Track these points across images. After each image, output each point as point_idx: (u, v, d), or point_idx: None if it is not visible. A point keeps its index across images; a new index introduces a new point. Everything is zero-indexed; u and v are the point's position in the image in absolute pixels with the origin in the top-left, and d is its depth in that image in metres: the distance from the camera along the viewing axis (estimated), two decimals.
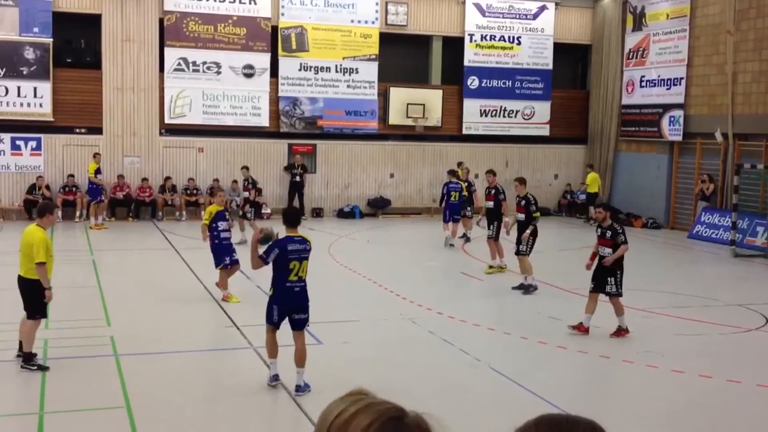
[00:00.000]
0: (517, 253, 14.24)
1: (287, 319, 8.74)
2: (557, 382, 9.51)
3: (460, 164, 21.91)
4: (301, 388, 8.54)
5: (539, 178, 26.88)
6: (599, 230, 11.54)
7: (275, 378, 8.70)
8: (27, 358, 9.23)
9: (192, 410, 8.31)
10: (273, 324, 8.71)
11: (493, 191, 16.14)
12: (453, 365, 9.96)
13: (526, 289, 14.08)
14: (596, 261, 11.46)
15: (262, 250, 8.69)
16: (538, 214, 14.26)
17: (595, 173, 25.26)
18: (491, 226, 16.02)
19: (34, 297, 9.28)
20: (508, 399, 8.74)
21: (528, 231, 14.02)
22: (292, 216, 8.99)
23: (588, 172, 25.44)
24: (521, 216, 14.29)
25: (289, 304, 8.67)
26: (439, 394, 8.79)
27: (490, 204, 16.13)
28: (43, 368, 9.19)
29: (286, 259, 8.52)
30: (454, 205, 18.82)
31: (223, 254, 12.92)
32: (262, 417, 8.64)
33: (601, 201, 11.65)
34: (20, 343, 9.36)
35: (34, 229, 9.34)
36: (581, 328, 11.28)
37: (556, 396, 8.62)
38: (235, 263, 12.99)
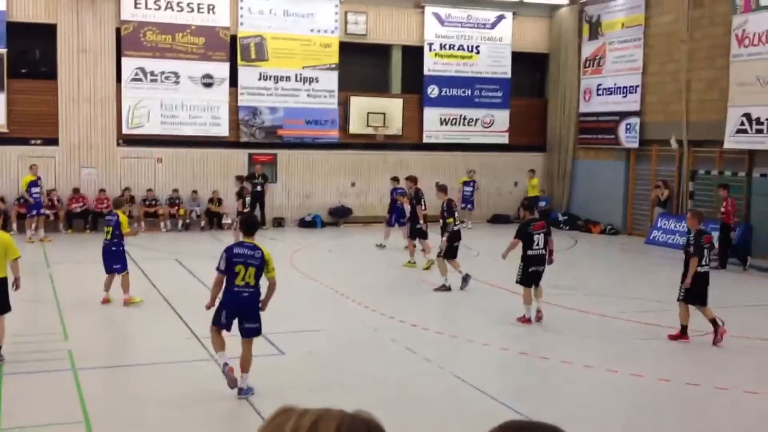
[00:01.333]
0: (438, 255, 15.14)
1: (237, 326, 8.78)
2: (520, 388, 9.57)
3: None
4: (244, 392, 8.63)
5: (499, 186, 27.12)
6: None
7: (226, 364, 8.68)
8: None
9: (152, 424, 8.20)
10: (219, 324, 8.82)
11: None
12: (416, 373, 9.97)
13: (442, 287, 14.82)
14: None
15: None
16: (451, 220, 14.96)
17: (536, 179, 26.54)
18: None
19: (5, 294, 10.10)
20: (471, 406, 8.77)
21: (444, 237, 14.87)
22: (247, 223, 9.16)
23: (530, 177, 26.27)
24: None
25: (235, 308, 8.72)
26: (403, 402, 8.79)
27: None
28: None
29: (231, 263, 8.64)
30: (400, 210, 19.84)
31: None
32: (223, 428, 8.55)
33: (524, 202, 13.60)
34: None
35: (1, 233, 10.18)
36: (523, 320, 12.33)
37: (518, 402, 8.67)
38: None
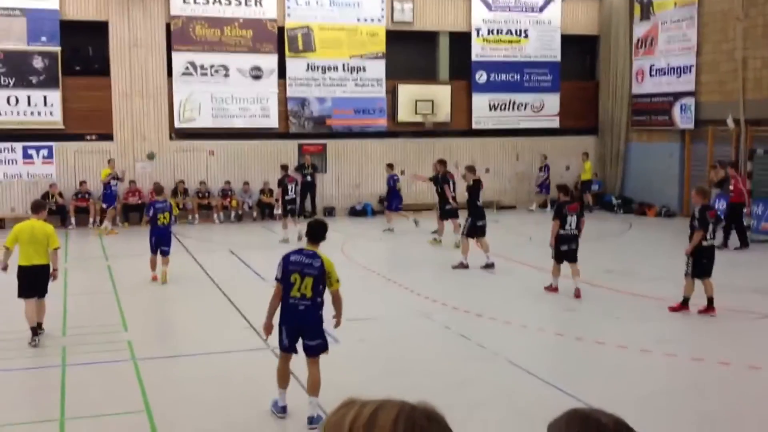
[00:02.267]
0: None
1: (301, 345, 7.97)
2: (575, 374, 9.47)
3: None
4: (314, 420, 7.76)
5: (552, 170, 26.79)
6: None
7: (282, 410, 8.03)
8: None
9: (211, 412, 8.32)
10: (282, 348, 8.00)
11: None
12: (470, 360, 9.94)
13: (460, 265, 15.65)
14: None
15: None
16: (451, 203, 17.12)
17: (589, 162, 26.24)
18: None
19: (46, 279, 10.64)
20: (527, 392, 8.71)
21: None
22: (313, 229, 8.09)
23: (584, 161, 25.94)
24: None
25: (293, 323, 7.85)
26: (456, 388, 8.77)
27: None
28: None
29: (287, 271, 7.84)
30: (398, 195, 21.94)
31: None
32: (280, 420, 8.63)
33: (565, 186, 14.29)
34: (39, 325, 10.60)
35: (42, 223, 10.60)
36: (550, 289, 13.45)
37: (575, 388, 8.58)
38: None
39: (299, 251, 7.99)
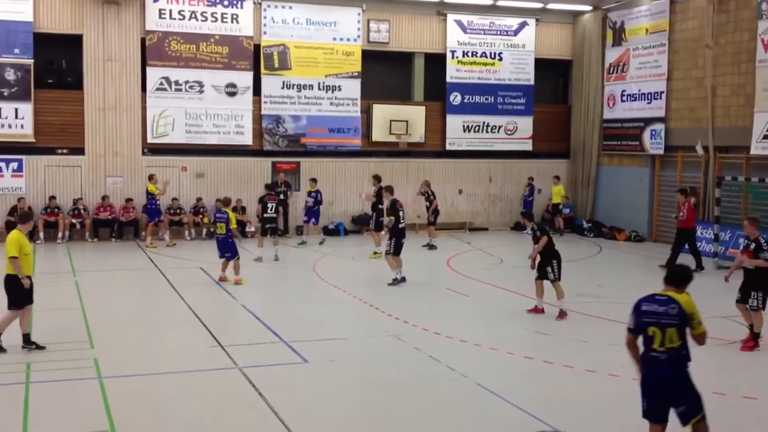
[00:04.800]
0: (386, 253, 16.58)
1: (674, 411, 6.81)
2: (545, 397, 9.50)
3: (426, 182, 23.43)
4: None
5: (523, 193, 26.98)
6: (531, 234, 14.02)
7: None
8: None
9: None
10: (647, 417, 6.84)
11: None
12: (440, 382, 9.93)
13: (394, 281, 16.24)
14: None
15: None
16: (391, 218, 16.76)
17: (560, 185, 26.41)
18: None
19: (15, 290, 10.79)
20: (496, 416, 8.72)
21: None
22: (675, 275, 7.08)
23: (556, 183, 26.26)
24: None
25: (654, 382, 6.77)
26: (426, 412, 8.76)
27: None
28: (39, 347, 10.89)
29: (640, 322, 6.85)
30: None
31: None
32: None
33: (527, 211, 16.21)
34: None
35: (12, 232, 10.93)
36: (537, 310, 13.68)
37: (543, 411, 8.61)
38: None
39: (649, 297, 6.97)
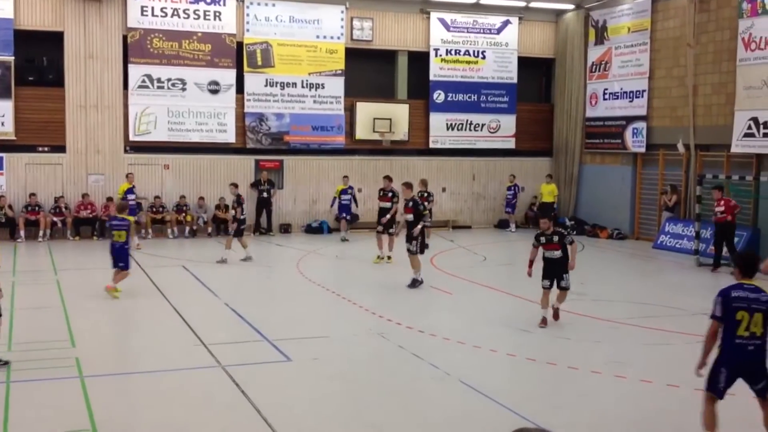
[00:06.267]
0: (408, 251, 15.73)
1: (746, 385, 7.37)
2: (527, 394, 9.54)
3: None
4: None
5: (506, 191, 27.05)
6: (543, 238, 12.59)
7: None
8: None
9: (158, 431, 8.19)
10: (716, 392, 7.36)
11: (410, 203, 16.37)
12: (423, 380, 9.94)
13: (413, 283, 15.63)
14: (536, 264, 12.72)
15: None
16: (426, 211, 16.02)
17: (553, 184, 26.21)
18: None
19: None
20: (479, 413, 8.74)
21: (417, 229, 15.60)
22: (748, 263, 7.46)
23: (548, 182, 26.18)
24: (410, 217, 15.84)
25: (738, 365, 7.25)
26: (409, 409, 8.77)
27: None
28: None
29: (730, 308, 7.18)
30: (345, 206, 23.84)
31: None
32: None
33: (548, 213, 13.97)
34: None
35: None
36: (544, 322, 12.53)
37: (526, 408, 8.64)
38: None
39: (739, 286, 7.31)
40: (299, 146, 25.04)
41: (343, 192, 23.95)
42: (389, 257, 18.79)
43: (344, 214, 23.82)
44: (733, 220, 18.53)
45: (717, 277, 17.83)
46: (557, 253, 12.50)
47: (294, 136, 24.92)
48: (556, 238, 12.48)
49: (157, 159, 23.68)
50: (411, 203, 15.90)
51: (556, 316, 12.82)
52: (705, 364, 7.44)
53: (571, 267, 12.57)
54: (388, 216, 18.93)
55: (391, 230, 18.68)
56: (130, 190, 21.86)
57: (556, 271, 12.48)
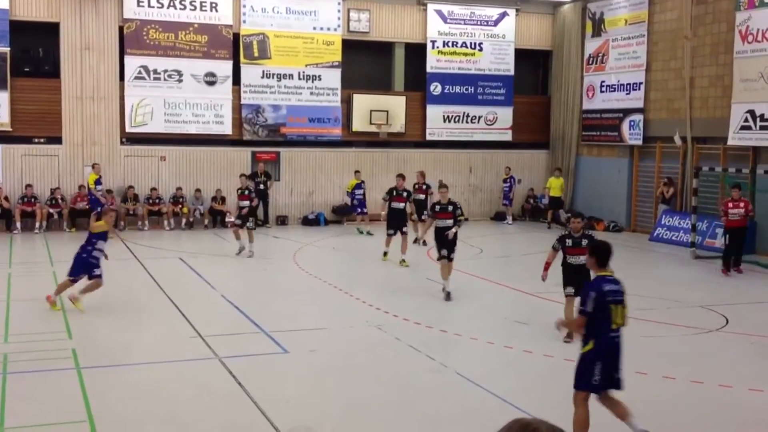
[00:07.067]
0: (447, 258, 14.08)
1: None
2: (524, 386, 9.56)
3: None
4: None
5: (502, 184, 27.06)
6: (570, 241, 11.25)
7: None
8: None
9: (155, 423, 8.20)
10: (593, 388, 7.26)
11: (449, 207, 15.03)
12: (420, 371, 9.96)
13: (447, 296, 13.99)
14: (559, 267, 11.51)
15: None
16: (462, 216, 14.46)
17: (562, 178, 25.77)
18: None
19: None
20: (475, 404, 8.76)
21: (451, 232, 13.94)
22: (605, 252, 7.47)
23: (557, 176, 25.78)
24: (449, 222, 14.18)
25: (615, 358, 7.21)
26: (407, 401, 8.78)
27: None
28: None
29: (604, 302, 7.10)
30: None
31: (83, 269, 12.68)
32: (226, 427, 8.55)
33: (577, 211, 11.51)
34: None
35: None
36: (570, 336, 11.03)
37: (522, 400, 8.66)
38: (97, 277, 12.74)
39: (604, 279, 7.30)
40: (296, 138, 25.01)
41: (357, 187, 23.48)
42: (403, 260, 17.54)
43: (360, 210, 23.27)
44: (746, 222, 17.41)
45: (709, 268, 17.84)
46: (583, 259, 10.58)
47: (291, 128, 24.88)
48: (584, 242, 11.01)
49: (153, 150, 23.64)
50: (450, 207, 14.31)
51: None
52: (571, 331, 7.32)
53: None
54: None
55: (404, 229, 17.83)
56: (98, 181, 21.67)
57: (580, 279, 10.77)
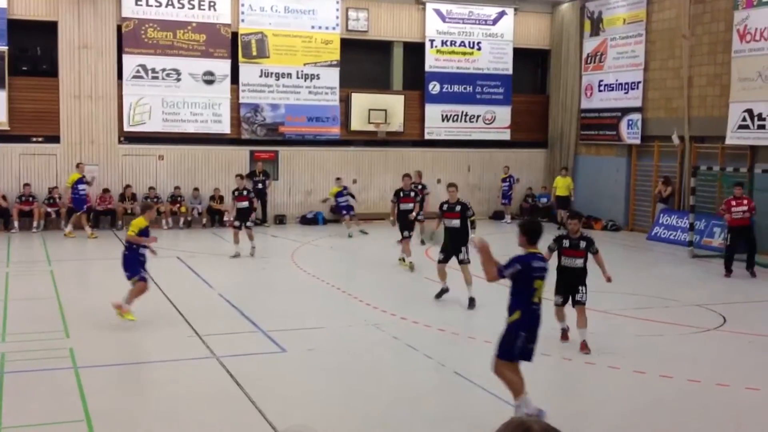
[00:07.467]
0: (461, 262, 13.72)
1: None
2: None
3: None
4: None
5: (501, 183, 27.07)
6: (567, 242, 10.84)
7: (541, 412, 7.64)
8: None
9: (153, 422, 8.20)
10: (513, 357, 7.77)
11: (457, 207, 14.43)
12: (418, 370, 9.96)
13: (470, 303, 13.46)
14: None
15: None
16: (474, 217, 13.89)
17: (569, 177, 25.31)
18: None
19: None
20: (473, 403, 8.76)
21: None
22: (534, 230, 7.85)
23: (564, 175, 25.40)
24: (456, 223, 13.81)
25: (535, 330, 7.75)
26: (404, 400, 8.78)
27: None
28: None
29: (530, 277, 7.59)
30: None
31: (139, 266, 12.19)
32: (224, 426, 8.55)
33: (575, 211, 10.94)
34: None
35: None
36: (566, 337, 11.14)
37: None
38: (143, 281, 12.05)
39: (534, 256, 7.76)
40: (294, 137, 25.00)
41: (339, 195, 22.98)
42: (410, 263, 17.08)
43: (344, 212, 22.84)
44: (750, 221, 16.97)
45: (707, 267, 17.84)
46: (579, 262, 10.68)
47: (289, 127, 24.87)
48: (582, 244, 10.71)
49: (151, 150, 23.63)
50: (458, 207, 13.83)
51: (584, 347, 10.60)
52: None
53: (609, 279, 10.94)
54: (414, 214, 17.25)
55: (409, 233, 17.11)
56: (81, 180, 21.37)
57: (573, 284, 10.70)
